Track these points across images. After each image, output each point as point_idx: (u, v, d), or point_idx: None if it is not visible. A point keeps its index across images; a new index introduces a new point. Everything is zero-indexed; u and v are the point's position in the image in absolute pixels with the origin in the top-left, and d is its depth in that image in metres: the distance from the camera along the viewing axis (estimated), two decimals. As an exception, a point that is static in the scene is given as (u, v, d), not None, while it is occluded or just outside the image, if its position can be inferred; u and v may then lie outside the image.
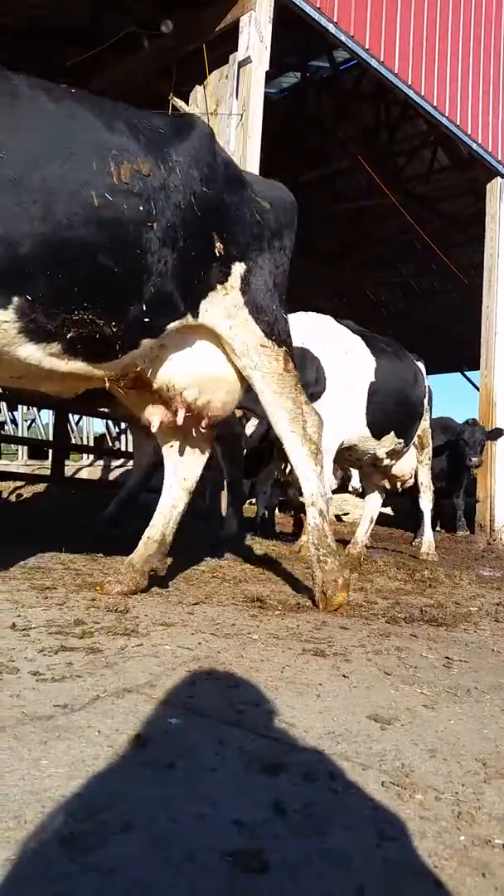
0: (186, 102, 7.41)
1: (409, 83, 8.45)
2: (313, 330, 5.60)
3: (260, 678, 1.97)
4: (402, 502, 11.06)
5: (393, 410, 6.02)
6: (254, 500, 8.51)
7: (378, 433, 5.94)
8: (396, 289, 18.09)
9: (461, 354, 17.77)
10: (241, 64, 6.73)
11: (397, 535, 9.67)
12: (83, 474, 8.35)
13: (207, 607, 2.93)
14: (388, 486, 6.78)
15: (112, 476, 8.09)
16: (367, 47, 7.80)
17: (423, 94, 8.67)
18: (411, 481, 6.88)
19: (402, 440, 6.22)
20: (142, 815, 1.18)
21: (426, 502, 7.07)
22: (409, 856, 1.15)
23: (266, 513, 7.44)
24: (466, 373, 22.15)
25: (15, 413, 11.87)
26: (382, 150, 12.08)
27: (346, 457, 6.16)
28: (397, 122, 11.62)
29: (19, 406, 11.15)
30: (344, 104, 11.55)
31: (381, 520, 11.15)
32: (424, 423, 6.77)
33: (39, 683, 1.77)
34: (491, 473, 10.04)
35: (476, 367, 10.74)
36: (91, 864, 1.04)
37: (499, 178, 10.19)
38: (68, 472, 7.19)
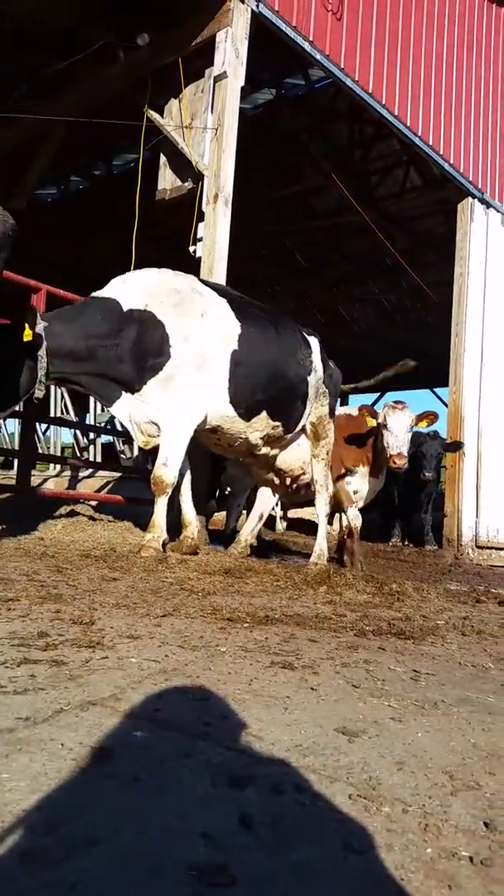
0: (161, 115, 7.44)
1: (383, 102, 8.60)
2: (161, 290, 4.93)
3: (227, 691, 1.95)
4: (373, 518, 11.15)
5: (264, 386, 5.32)
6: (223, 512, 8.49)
7: (246, 413, 5.27)
8: (367, 305, 18.27)
9: (430, 371, 18.00)
10: (217, 79, 6.79)
11: (374, 549, 9.71)
12: (49, 485, 8.25)
13: (175, 619, 2.90)
14: (276, 480, 6.31)
15: (79, 487, 8.01)
16: (341, 66, 7.93)
17: (396, 113, 8.82)
18: (305, 478, 6.30)
19: (278, 423, 5.57)
20: (106, 828, 1.15)
21: (321, 504, 6.21)
22: (376, 868, 1.14)
23: (236, 525, 7.43)
24: (435, 389, 22.47)
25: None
26: (356, 168, 12.25)
27: (216, 442, 5.51)
28: (371, 140, 11.80)
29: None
30: (318, 122, 11.70)
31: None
32: (321, 410, 6.12)
33: (1, 696, 1.73)
34: (458, 489, 10.16)
35: (445, 384, 10.88)
36: (53, 880, 1.01)
37: (469, 197, 10.39)
38: (34, 482, 7.10)
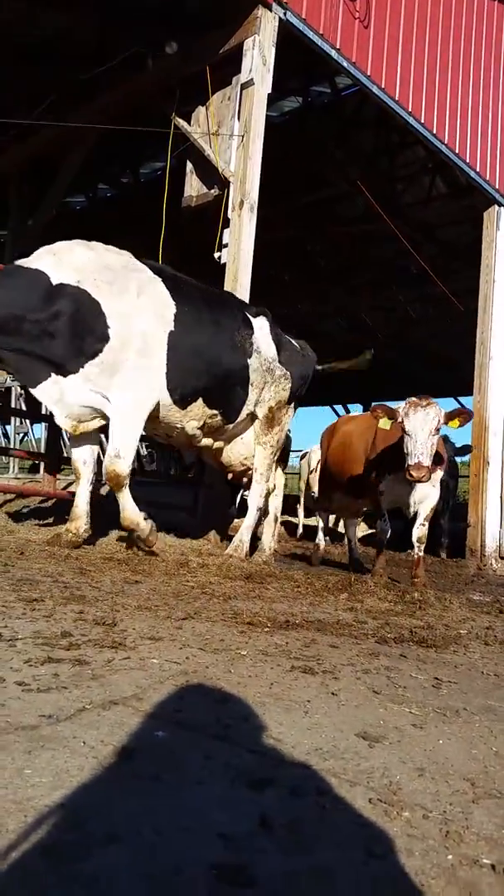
0: (188, 123, 7.50)
1: (410, 110, 8.59)
2: (92, 266, 4.57)
3: (248, 694, 1.95)
4: (396, 526, 11.08)
5: (198, 371, 4.91)
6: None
7: (181, 400, 4.87)
8: (392, 312, 18.22)
9: (455, 380, 17.90)
10: (244, 86, 6.82)
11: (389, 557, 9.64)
12: (74, 488, 8.31)
13: (196, 623, 2.91)
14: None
15: (103, 491, 8.06)
16: (368, 74, 7.93)
17: (422, 121, 8.81)
18: (249, 473, 5.75)
19: (216, 412, 5.16)
20: (127, 826, 1.16)
21: (255, 494, 5.64)
22: (396, 874, 1.14)
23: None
24: (460, 398, 22.31)
25: (7, 427, 11.85)
26: (382, 175, 12.22)
27: (154, 431, 5.19)
28: (397, 148, 11.78)
29: (12, 419, 11.13)
30: (344, 129, 11.70)
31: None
32: (280, 395, 5.57)
33: (25, 693, 1.75)
34: (482, 499, 10.07)
35: (469, 392, 10.81)
36: (73, 875, 1.02)
37: (496, 205, 10.33)
38: (59, 486, 7.17)
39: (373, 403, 5.90)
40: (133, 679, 1.95)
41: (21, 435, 11.52)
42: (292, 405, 5.97)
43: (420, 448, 5.32)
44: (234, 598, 3.69)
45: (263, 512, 6.00)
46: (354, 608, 3.90)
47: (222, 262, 6.81)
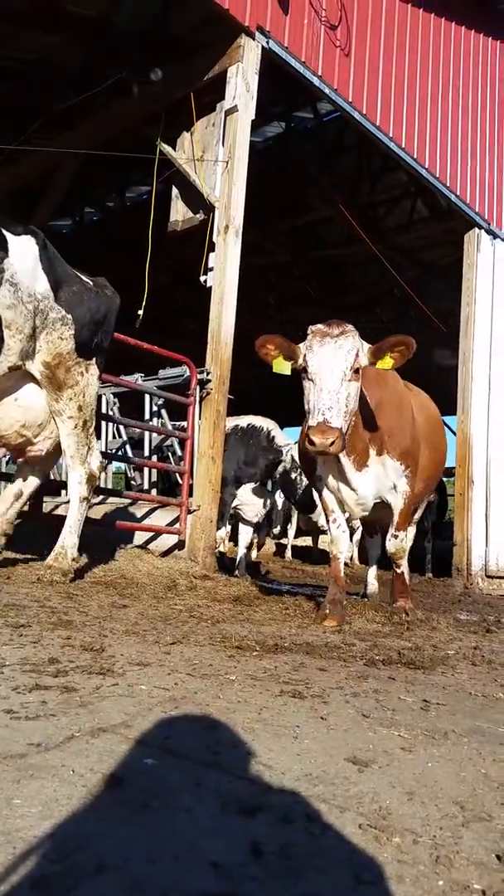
0: (174, 149, 7.58)
1: (391, 135, 8.73)
2: None
3: (237, 719, 1.95)
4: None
5: None
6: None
7: None
8: (375, 335, 18.34)
9: (438, 400, 18.02)
10: (228, 112, 6.92)
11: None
12: (60, 511, 8.27)
13: (184, 647, 2.90)
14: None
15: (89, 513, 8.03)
16: (349, 100, 8.07)
17: (403, 145, 8.95)
18: (37, 448, 4.43)
19: None
20: (116, 856, 1.15)
21: (73, 483, 4.52)
22: (387, 900, 1.14)
23: (246, 552, 7.42)
24: (444, 418, 22.45)
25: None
26: (364, 199, 12.38)
27: None
28: (379, 172, 11.94)
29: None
30: (327, 154, 11.86)
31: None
32: (59, 345, 4.24)
33: (13, 721, 1.74)
34: (468, 517, 10.11)
35: (453, 412, 10.90)
36: (63, 907, 1.01)
37: (476, 228, 10.48)
38: (46, 508, 7.13)
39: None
40: (121, 706, 1.95)
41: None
42: (94, 361, 4.52)
43: (326, 399, 3.69)
44: (222, 622, 3.68)
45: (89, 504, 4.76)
46: (343, 630, 3.90)
47: (208, 285, 6.86)
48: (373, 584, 6.26)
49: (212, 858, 1.18)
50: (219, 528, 7.03)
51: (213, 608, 4.10)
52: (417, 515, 6.02)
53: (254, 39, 6.86)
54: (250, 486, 7.72)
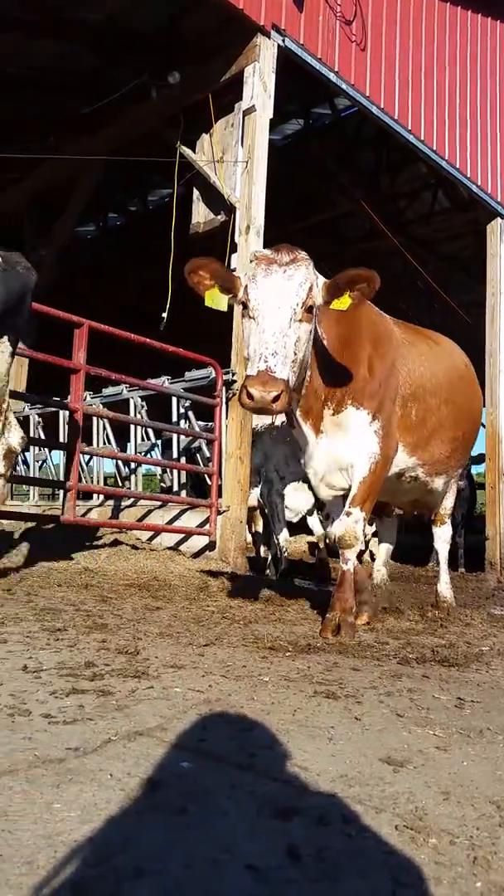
0: (193, 151, 7.61)
1: (409, 128, 8.66)
2: None
3: (271, 721, 1.96)
4: (414, 540, 11.03)
5: None
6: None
7: None
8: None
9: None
10: (246, 112, 6.92)
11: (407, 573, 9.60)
12: (93, 514, 8.36)
13: (218, 649, 2.92)
14: None
15: (121, 516, 8.11)
16: (367, 94, 8.02)
17: (422, 138, 8.88)
18: None
19: None
20: (154, 860, 1.17)
21: None
22: (425, 901, 1.14)
23: (279, 550, 7.32)
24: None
25: (27, 454, 11.96)
26: (384, 193, 12.31)
27: None
28: (398, 165, 11.86)
29: (31, 447, 11.24)
30: (346, 149, 11.80)
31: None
32: None
33: (51, 726, 1.77)
34: (500, 511, 10.01)
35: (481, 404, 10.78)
36: (105, 911, 1.04)
37: (499, 218, 10.36)
38: (78, 512, 7.20)
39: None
40: (157, 709, 1.97)
41: (40, 462, 11.60)
42: (5, 339, 4.24)
43: (271, 343, 2.96)
44: (254, 622, 3.69)
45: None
46: (375, 628, 3.89)
47: (231, 285, 6.87)
48: (380, 571, 5.46)
49: (249, 861, 1.19)
50: (279, 532, 6.88)
51: (244, 609, 4.11)
52: (449, 503, 5.30)
53: (269, 38, 6.85)
54: (294, 484, 7.56)
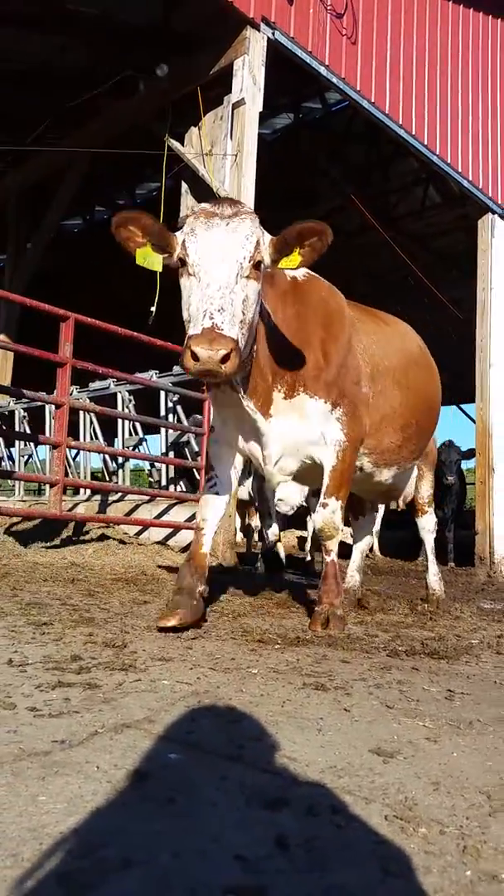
0: (182, 143, 7.57)
1: (400, 122, 8.66)
2: None
3: (260, 713, 1.94)
4: (403, 536, 11.07)
5: None
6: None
7: None
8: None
9: (457, 387, 17.91)
10: (236, 105, 6.89)
11: (397, 568, 9.63)
12: (80, 509, 8.33)
13: (206, 642, 2.90)
14: None
15: (108, 511, 8.07)
16: (357, 88, 8.01)
17: (413, 132, 8.88)
18: None
19: None
20: (142, 851, 1.15)
21: None
22: (414, 892, 1.13)
23: (272, 543, 7.27)
24: (462, 405, 22.32)
25: (12, 449, 11.90)
26: (375, 188, 12.32)
27: None
28: (389, 160, 11.87)
29: (16, 442, 11.18)
30: (336, 144, 11.80)
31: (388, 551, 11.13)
32: None
33: (37, 719, 1.75)
34: (489, 505, 10.05)
35: (472, 399, 10.83)
36: (90, 903, 1.02)
37: (490, 213, 10.38)
38: (65, 506, 7.17)
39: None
40: (144, 701, 1.95)
41: (25, 457, 11.55)
42: None
43: (216, 298, 2.68)
44: (243, 616, 3.68)
45: None
46: (365, 621, 3.89)
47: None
48: (353, 577, 4.77)
49: (237, 852, 1.17)
50: (269, 527, 6.80)
51: (233, 602, 4.10)
52: (426, 492, 5.04)
53: (259, 31, 6.82)
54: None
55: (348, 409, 3.58)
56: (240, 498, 7.77)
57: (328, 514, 3.60)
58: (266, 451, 3.46)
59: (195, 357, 2.54)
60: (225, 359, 2.55)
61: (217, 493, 3.56)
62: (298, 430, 3.47)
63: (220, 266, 2.76)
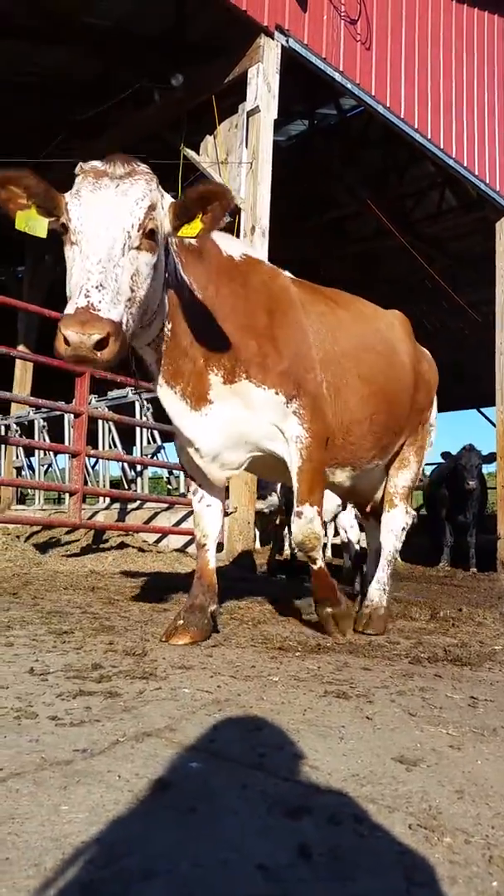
0: (197, 153, 7.61)
1: (416, 127, 8.65)
2: None
3: (281, 721, 1.93)
4: (422, 542, 10.99)
5: None
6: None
7: None
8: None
9: (476, 391, 17.81)
10: (250, 113, 6.92)
11: (418, 573, 9.56)
12: (99, 517, 8.36)
13: (226, 649, 2.89)
14: None
15: (127, 519, 8.10)
16: (372, 94, 8.01)
17: (429, 136, 8.86)
18: None
19: None
20: (163, 860, 1.15)
21: None
22: (440, 902, 1.11)
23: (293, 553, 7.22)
24: (482, 409, 22.18)
25: (32, 459, 12.00)
26: (391, 192, 12.30)
27: None
28: (405, 164, 11.85)
29: (36, 451, 11.27)
30: (352, 149, 11.80)
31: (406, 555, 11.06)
32: None
33: (58, 728, 1.75)
34: (510, 510, 9.96)
35: (491, 403, 10.75)
36: (112, 913, 1.01)
37: (507, 216, 10.33)
38: (84, 515, 7.21)
39: None
40: (165, 710, 1.95)
41: (45, 466, 11.64)
42: None
43: (95, 273, 2.33)
44: (263, 623, 3.67)
45: None
46: (386, 628, 3.86)
47: (237, 286, 6.86)
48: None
49: (259, 861, 1.17)
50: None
51: (253, 609, 4.09)
52: (403, 483, 4.17)
53: (273, 39, 6.85)
54: None
55: (306, 401, 3.20)
56: (267, 507, 7.76)
57: (305, 524, 3.25)
58: (200, 442, 3.08)
59: (66, 341, 2.21)
60: (101, 344, 2.21)
61: (209, 506, 3.35)
62: (243, 421, 3.11)
63: (104, 234, 2.41)
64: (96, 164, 2.58)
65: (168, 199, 2.68)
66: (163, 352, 2.92)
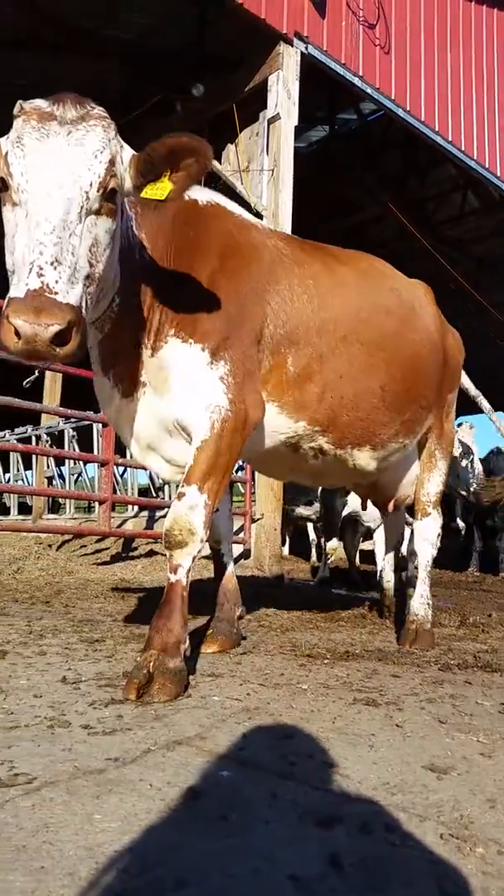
0: (219, 161, 7.66)
1: (437, 130, 8.62)
2: None
3: (311, 729, 1.94)
4: (449, 545, 10.88)
5: None
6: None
7: None
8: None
9: (501, 393, 17.64)
10: (271, 121, 6.95)
11: (447, 578, 9.48)
12: (128, 526, 8.42)
13: (255, 657, 2.90)
14: None
15: (156, 526, 8.15)
16: (392, 98, 8.00)
17: (450, 139, 8.83)
18: None
19: None
20: (195, 870, 1.16)
21: None
22: (473, 912, 1.11)
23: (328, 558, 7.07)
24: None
25: (62, 468, 12.12)
26: (412, 195, 12.26)
27: None
28: (426, 167, 11.81)
29: (66, 461, 11.38)
30: (373, 154, 11.79)
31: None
32: None
33: (91, 737, 1.77)
34: (540, 512, 9.84)
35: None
36: (146, 922, 1.03)
37: (531, 216, 10.25)
38: (114, 523, 7.26)
39: None
40: (195, 718, 1.96)
41: (75, 476, 11.75)
42: None
43: (49, 245, 1.86)
44: (291, 630, 3.67)
45: None
46: (434, 642, 3.83)
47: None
48: (389, 582, 4.57)
49: (290, 871, 1.17)
50: (329, 539, 6.61)
51: (281, 616, 4.09)
52: (434, 489, 3.85)
53: (292, 46, 6.88)
54: None
55: (237, 368, 2.60)
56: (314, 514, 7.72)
57: (182, 509, 2.44)
58: (134, 432, 2.68)
59: (17, 333, 1.77)
60: (60, 338, 1.78)
61: (217, 510, 2.84)
62: (166, 396, 2.58)
63: (57, 196, 1.93)
64: (40, 103, 2.09)
65: (129, 151, 2.21)
66: (107, 331, 2.47)
